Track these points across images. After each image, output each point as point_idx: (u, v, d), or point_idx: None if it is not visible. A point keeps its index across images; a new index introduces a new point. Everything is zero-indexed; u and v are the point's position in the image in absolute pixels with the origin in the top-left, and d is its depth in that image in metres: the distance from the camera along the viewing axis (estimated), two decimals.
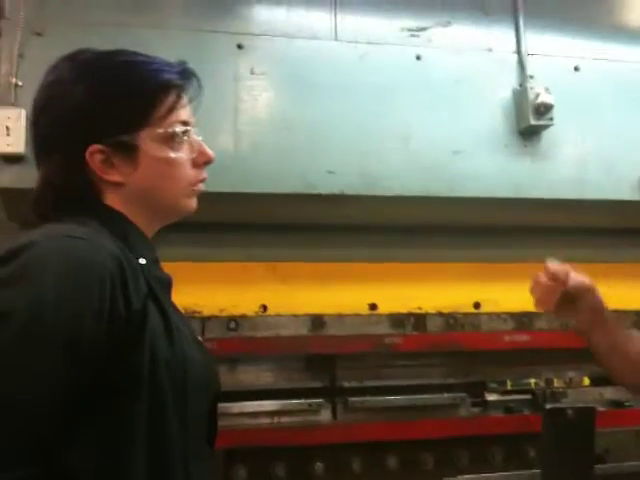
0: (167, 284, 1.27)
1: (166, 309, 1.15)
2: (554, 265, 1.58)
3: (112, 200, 1.21)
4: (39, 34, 2.06)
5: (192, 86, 1.27)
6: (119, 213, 1.21)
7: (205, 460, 1.22)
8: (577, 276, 1.58)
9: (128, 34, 2.08)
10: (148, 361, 1.07)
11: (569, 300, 1.58)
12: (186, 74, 1.26)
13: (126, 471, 1.04)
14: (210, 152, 1.29)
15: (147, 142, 1.20)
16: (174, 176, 1.24)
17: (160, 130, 1.21)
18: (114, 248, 1.10)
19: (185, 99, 1.26)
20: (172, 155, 1.23)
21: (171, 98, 1.23)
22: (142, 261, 1.17)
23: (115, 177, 1.19)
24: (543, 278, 1.58)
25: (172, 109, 1.23)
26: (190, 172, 1.27)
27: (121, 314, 1.04)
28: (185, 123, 1.25)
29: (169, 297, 1.26)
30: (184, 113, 1.25)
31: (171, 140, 1.22)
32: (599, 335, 1.62)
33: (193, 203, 1.29)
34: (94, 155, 1.17)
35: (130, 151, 1.19)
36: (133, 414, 1.05)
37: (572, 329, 1.70)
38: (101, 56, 1.23)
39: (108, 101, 1.18)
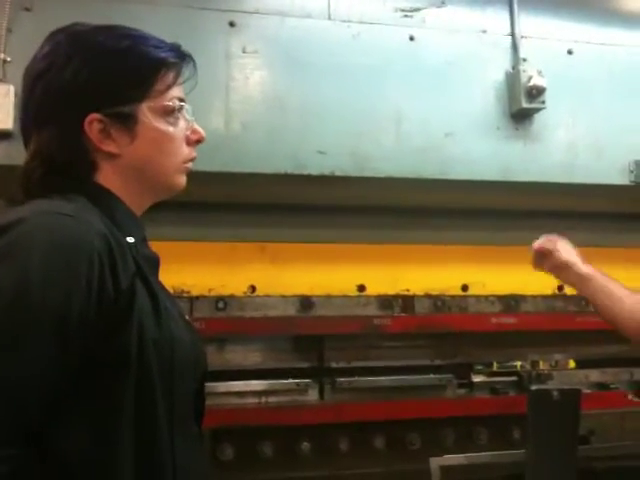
0: (155, 263, 1.27)
1: (154, 288, 1.15)
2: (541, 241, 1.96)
3: (106, 173, 1.20)
4: (28, 9, 2.03)
5: (188, 67, 1.28)
6: (108, 191, 1.20)
7: (193, 439, 1.22)
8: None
9: (118, 10, 2.05)
10: (136, 340, 1.06)
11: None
12: (183, 54, 1.27)
13: (113, 450, 1.04)
14: (202, 131, 1.30)
15: (146, 114, 1.20)
16: (170, 150, 1.24)
17: (159, 103, 1.22)
18: (102, 226, 1.09)
19: (181, 78, 1.27)
20: (170, 129, 1.23)
21: (170, 74, 1.24)
22: (130, 239, 1.17)
23: (111, 148, 1.19)
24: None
25: (170, 85, 1.23)
26: (184, 149, 1.27)
27: (109, 293, 1.04)
28: (181, 100, 1.26)
29: (156, 276, 1.26)
30: (180, 91, 1.26)
31: (169, 114, 1.23)
32: (575, 286, 1.92)
33: (184, 180, 1.30)
34: (92, 124, 1.17)
35: (128, 122, 1.19)
36: (120, 394, 1.05)
37: None
38: (100, 28, 1.23)
39: (109, 71, 1.18)
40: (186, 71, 1.28)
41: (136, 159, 1.21)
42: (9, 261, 0.99)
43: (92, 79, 1.17)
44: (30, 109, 1.21)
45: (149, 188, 1.26)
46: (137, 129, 1.20)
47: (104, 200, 1.19)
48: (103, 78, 1.17)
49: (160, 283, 1.25)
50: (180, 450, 1.14)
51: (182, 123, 1.26)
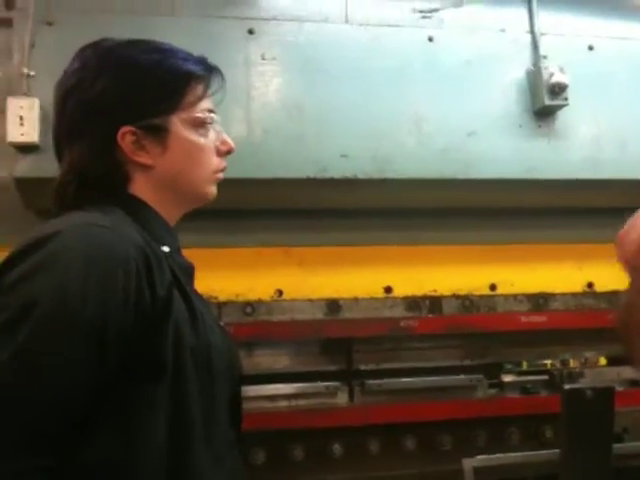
0: (190, 272, 1.28)
1: (190, 296, 1.17)
2: None
3: (139, 184, 1.22)
4: (50, 23, 2.06)
5: (216, 79, 1.29)
6: (142, 201, 1.22)
7: (232, 445, 1.23)
8: None
9: (139, 22, 2.08)
10: (173, 349, 1.08)
11: None
12: (210, 67, 1.29)
13: (148, 458, 1.05)
14: (231, 142, 1.32)
15: (177, 126, 1.22)
16: (201, 161, 1.26)
17: (190, 115, 1.23)
18: (138, 237, 1.11)
19: (210, 90, 1.29)
20: (201, 140, 1.25)
21: (200, 87, 1.26)
22: (165, 249, 1.19)
23: (145, 159, 1.21)
24: None
25: (201, 97, 1.25)
26: (215, 159, 1.29)
27: (146, 303, 1.05)
28: (211, 111, 1.28)
29: (192, 284, 1.27)
30: (209, 103, 1.28)
31: (200, 126, 1.25)
32: None
33: (214, 190, 1.32)
34: (126, 136, 1.18)
35: (161, 134, 1.21)
36: (156, 402, 1.06)
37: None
38: (128, 43, 1.25)
39: (140, 84, 1.20)
40: (214, 83, 1.29)
41: (168, 170, 1.23)
42: (47, 273, 1.01)
43: (124, 92, 1.19)
44: (62, 124, 1.22)
45: (181, 198, 1.28)
46: (169, 140, 1.22)
47: (139, 211, 1.20)
48: (135, 91, 1.19)
49: (195, 291, 1.27)
50: (218, 458, 1.14)
51: (212, 134, 1.28)
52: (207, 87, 1.27)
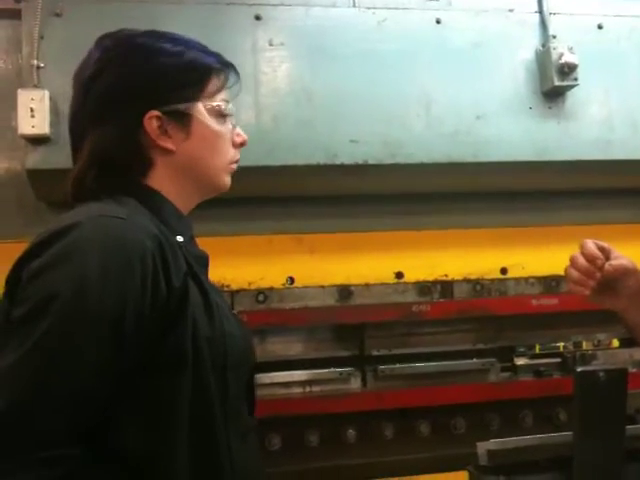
0: (204, 262, 1.30)
1: (205, 286, 1.18)
2: (592, 246, 1.46)
3: (159, 170, 1.24)
4: (58, 15, 2.05)
5: (232, 74, 1.33)
6: (156, 192, 1.24)
7: (247, 433, 1.24)
8: (617, 258, 1.46)
9: (146, 10, 2.07)
10: (191, 338, 1.09)
11: (606, 283, 1.48)
12: (226, 62, 1.32)
13: (169, 449, 1.06)
14: (245, 135, 1.35)
15: (201, 112, 1.25)
16: (221, 149, 1.29)
17: (211, 104, 1.26)
18: (153, 227, 1.12)
19: (228, 83, 1.32)
20: (222, 129, 1.29)
21: (220, 78, 1.29)
22: (180, 239, 1.20)
23: (168, 144, 1.23)
24: (580, 259, 1.45)
25: (220, 88, 1.29)
26: (231, 150, 1.32)
27: (163, 293, 1.07)
28: (228, 102, 1.31)
29: (206, 274, 1.28)
30: (226, 96, 1.31)
31: (220, 115, 1.28)
32: (636, 314, 1.54)
33: (229, 181, 1.35)
34: (152, 120, 1.21)
35: (185, 120, 1.24)
36: (176, 392, 1.08)
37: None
38: (148, 33, 1.28)
39: (167, 71, 1.23)
40: (231, 78, 1.33)
41: (189, 156, 1.26)
42: (67, 265, 1.02)
43: (151, 77, 1.22)
44: (84, 112, 1.24)
45: (198, 186, 1.30)
46: (192, 127, 1.25)
47: (153, 200, 1.22)
48: (161, 76, 1.22)
49: (209, 281, 1.28)
50: (236, 445, 1.16)
51: (229, 125, 1.31)
52: (226, 79, 1.31)
